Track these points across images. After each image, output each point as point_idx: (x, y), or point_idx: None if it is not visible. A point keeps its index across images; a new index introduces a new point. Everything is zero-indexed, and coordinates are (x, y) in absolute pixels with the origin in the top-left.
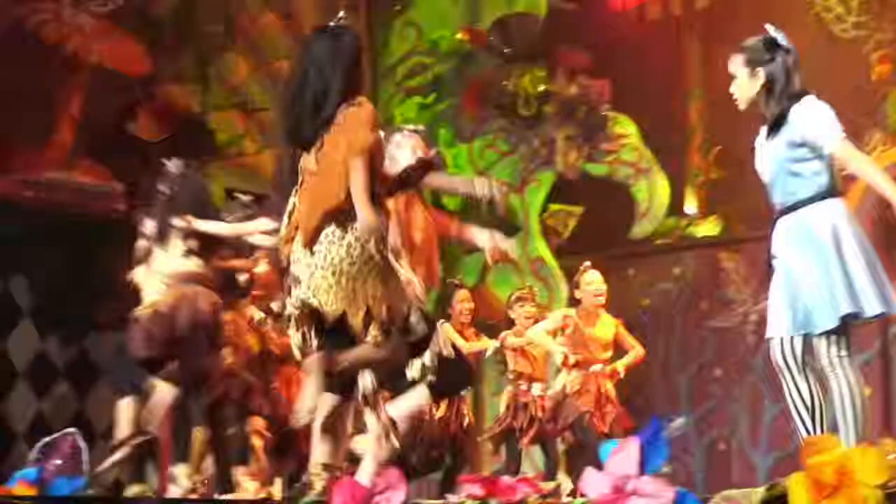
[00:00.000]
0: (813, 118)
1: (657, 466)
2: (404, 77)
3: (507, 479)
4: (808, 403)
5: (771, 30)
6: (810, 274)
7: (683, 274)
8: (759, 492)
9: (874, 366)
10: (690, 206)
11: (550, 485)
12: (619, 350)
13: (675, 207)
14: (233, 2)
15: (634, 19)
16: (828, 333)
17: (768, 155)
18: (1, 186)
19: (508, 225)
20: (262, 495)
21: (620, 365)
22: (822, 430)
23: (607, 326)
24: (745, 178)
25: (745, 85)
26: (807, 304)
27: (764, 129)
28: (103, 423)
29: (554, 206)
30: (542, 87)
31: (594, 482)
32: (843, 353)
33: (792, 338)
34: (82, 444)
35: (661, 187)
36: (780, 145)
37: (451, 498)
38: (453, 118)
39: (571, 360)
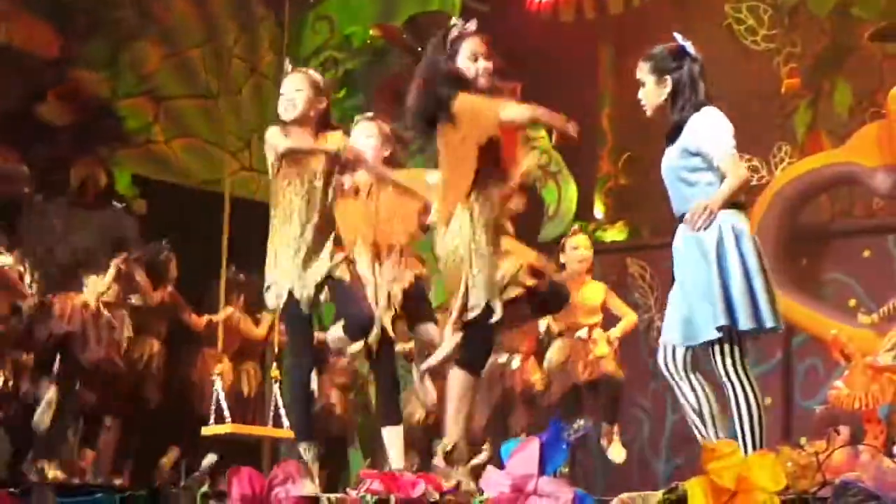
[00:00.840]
0: (709, 129)
1: (557, 467)
2: (316, 71)
3: (407, 475)
4: (697, 409)
5: (679, 38)
6: (696, 284)
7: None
8: (658, 495)
9: (776, 375)
10: (598, 210)
11: (451, 481)
12: (612, 319)
13: (584, 212)
14: None
15: (547, 23)
16: (720, 343)
17: (666, 162)
18: None
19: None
20: None
21: (614, 333)
22: (715, 435)
23: (594, 291)
24: (653, 184)
25: (652, 92)
26: (693, 313)
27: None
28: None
29: None
30: None
31: (494, 480)
32: (738, 362)
33: (674, 346)
34: None
35: (570, 191)
36: (676, 153)
37: (351, 493)
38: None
39: (555, 328)
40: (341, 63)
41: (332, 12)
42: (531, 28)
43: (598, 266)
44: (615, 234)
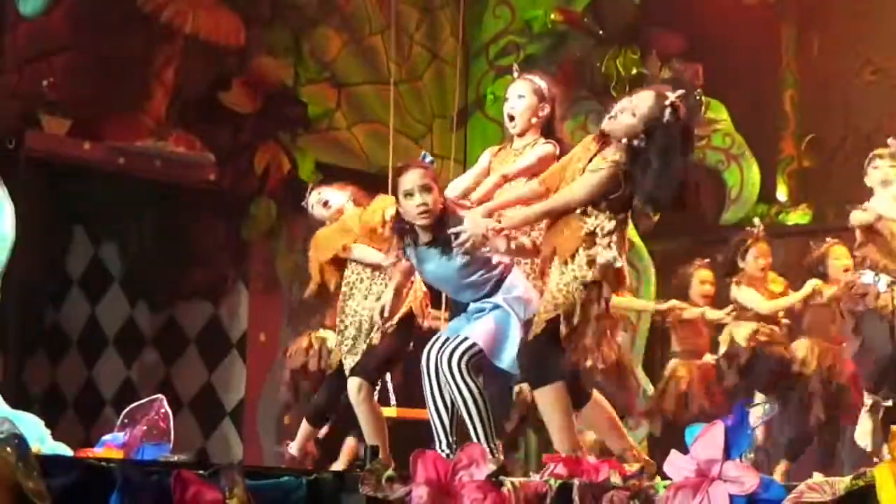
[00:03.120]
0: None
1: (742, 451)
2: (496, 56)
3: (591, 459)
4: (449, 409)
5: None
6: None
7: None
8: (846, 480)
9: None
10: (781, 193)
11: (635, 466)
12: None
13: (766, 194)
14: None
15: (730, 4)
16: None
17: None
18: (94, 154)
19: None
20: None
21: None
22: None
23: None
24: (837, 167)
25: None
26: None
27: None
28: (189, 392)
29: None
30: (634, 70)
31: (678, 465)
32: None
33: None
34: (168, 410)
35: (752, 174)
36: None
37: (534, 476)
38: None
39: None
40: (522, 48)
41: None
42: (713, 11)
43: (780, 249)
44: (798, 217)
